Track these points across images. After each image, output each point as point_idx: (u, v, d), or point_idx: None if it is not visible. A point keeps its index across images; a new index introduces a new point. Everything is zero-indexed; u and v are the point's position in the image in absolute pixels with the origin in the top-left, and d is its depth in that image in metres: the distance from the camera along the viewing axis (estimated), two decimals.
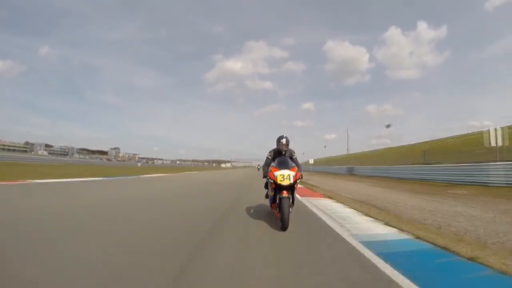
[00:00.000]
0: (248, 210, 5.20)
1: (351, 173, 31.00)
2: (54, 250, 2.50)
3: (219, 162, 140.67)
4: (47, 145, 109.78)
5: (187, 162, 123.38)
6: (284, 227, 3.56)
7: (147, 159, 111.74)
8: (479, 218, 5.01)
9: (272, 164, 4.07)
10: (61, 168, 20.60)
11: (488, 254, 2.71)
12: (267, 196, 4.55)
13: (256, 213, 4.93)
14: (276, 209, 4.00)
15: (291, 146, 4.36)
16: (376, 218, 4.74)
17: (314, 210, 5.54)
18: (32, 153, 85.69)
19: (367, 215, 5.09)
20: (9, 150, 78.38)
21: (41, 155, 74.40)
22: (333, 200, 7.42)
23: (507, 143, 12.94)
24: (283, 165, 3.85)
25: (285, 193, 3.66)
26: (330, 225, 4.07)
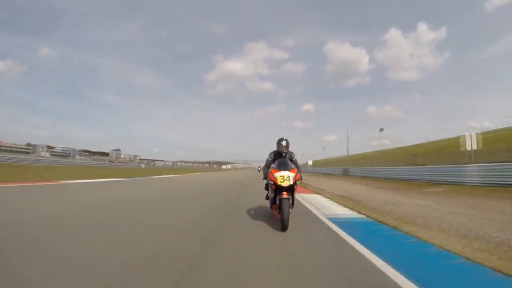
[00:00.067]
0: (249, 211, 5.66)
1: (346, 174, 32.64)
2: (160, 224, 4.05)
3: (219, 163, 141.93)
4: (49, 147, 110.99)
5: (188, 164, 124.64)
6: (284, 228, 3.64)
7: (148, 160, 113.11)
8: (429, 207, 6.53)
9: (272, 165, 4.15)
10: (75, 170, 22.15)
11: (405, 225, 4.26)
12: (267, 197, 4.63)
13: (256, 213, 5.29)
14: (276, 210, 4.07)
15: (291, 148, 4.48)
16: (347, 207, 6.32)
17: (304, 202, 7.06)
18: (35, 154, 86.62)
19: (342, 205, 6.67)
20: (11, 151, 78.73)
21: (43, 156, 73.97)
22: (320, 196, 9.03)
23: (481, 147, 14.63)
24: (283, 167, 3.95)
25: (285, 194, 3.75)
26: (313, 212, 5.61)
